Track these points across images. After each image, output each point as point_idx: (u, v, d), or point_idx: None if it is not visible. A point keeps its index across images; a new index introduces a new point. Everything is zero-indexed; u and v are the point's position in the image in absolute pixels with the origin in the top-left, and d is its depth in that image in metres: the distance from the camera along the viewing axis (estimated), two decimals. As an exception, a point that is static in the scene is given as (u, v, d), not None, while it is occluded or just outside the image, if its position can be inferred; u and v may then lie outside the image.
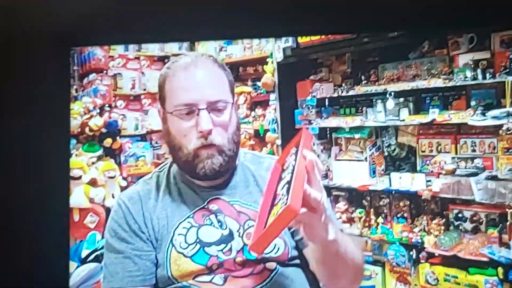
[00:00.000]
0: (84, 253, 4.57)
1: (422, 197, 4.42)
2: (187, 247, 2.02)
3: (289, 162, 1.81)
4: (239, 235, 2.06)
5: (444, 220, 4.43)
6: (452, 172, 4.27)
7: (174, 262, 2.01)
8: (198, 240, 2.03)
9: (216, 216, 2.08)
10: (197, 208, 2.08)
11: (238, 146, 2.13)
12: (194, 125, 2.00)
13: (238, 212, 2.10)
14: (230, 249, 2.04)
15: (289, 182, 1.65)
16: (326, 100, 5.37)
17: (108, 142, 5.44)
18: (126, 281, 2.03)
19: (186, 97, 2.00)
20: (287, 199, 1.55)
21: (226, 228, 2.07)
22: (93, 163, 5.19)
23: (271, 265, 2.04)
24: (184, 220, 2.06)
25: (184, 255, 2.01)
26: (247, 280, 2.03)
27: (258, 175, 2.20)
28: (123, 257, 2.03)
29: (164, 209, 2.08)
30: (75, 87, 5.76)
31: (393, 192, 4.73)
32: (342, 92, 5.12)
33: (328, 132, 5.45)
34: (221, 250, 2.03)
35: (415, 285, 4.52)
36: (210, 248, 2.03)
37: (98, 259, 4.54)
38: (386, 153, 5.01)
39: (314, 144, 4.52)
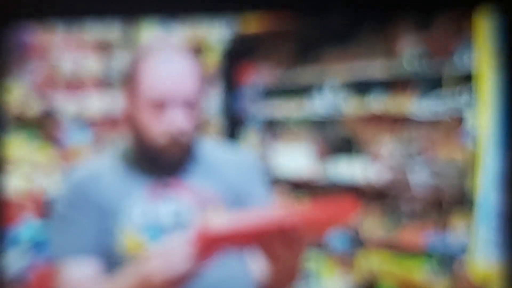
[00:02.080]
0: (21, 239, 4.54)
1: (362, 186, 4.46)
2: (141, 222, 2.04)
3: None
4: (193, 214, 2.08)
5: (383, 206, 4.47)
6: (392, 161, 4.31)
7: (126, 236, 2.02)
8: (152, 216, 2.05)
9: (170, 195, 2.10)
10: (153, 186, 2.09)
11: (200, 133, 2.17)
12: (165, 120, 2.00)
13: (194, 193, 2.12)
14: (184, 227, 2.03)
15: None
16: (268, 88, 5.37)
17: (48, 128, 5.39)
18: (76, 251, 2.02)
19: (161, 91, 2.00)
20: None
21: (180, 206, 2.09)
22: (33, 148, 5.15)
23: None
24: (140, 196, 2.07)
25: (137, 230, 2.03)
26: None
27: (219, 164, 2.23)
28: (74, 228, 2.04)
29: (118, 183, 2.09)
30: (14, 70, 5.69)
31: (334, 181, 4.76)
32: (284, 79, 5.13)
33: (269, 120, 5.45)
34: (175, 227, 2.05)
35: (354, 272, 4.55)
36: (163, 225, 2.05)
37: (36, 245, 4.51)
38: (327, 142, 5.03)
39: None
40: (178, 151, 2.07)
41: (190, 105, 2.00)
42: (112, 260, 2.03)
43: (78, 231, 2.03)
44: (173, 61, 2.03)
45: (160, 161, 2.10)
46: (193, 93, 2.01)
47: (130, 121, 2.10)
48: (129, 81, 2.07)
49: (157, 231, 2.04)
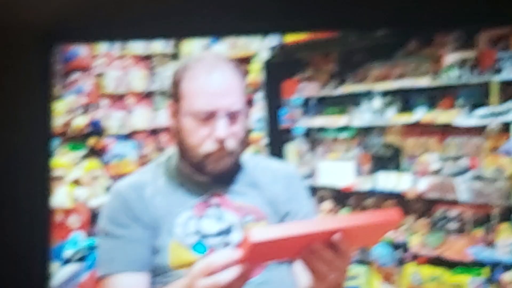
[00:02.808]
0: (67, 254, 4.55)
1: (407, 197, 4.41)
2: (187, 237, 2.03)
3: None
4: (238, 228, 2.09)
5: (429, 220, 4.42)
6: (438, 172, 4.26)
7: (173, 251, 2.03)
8: (198, 231, 2.05)
9: (216, 209, 2.10)
10: (198, 201, 2.10)
11: (245, 148, 2.16)
12: (210, 130, 2.01)
13: (238, 207, 2.13)
14: (229, 242, 2.06)
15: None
16: (312, 99, 5.36)
17: (92, 141, 5.41)
18: (124, 266, 2.01)
19: (207, 103, 1.99)
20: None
21: (225, 221, 2.09)
22: (77, 163, 5.17)
23: None
24: (185, 211, 2.07)
25: (183, 245, 2.02)
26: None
27: (261, 179, 2.23)
28: (121, 243, 2.02)
29: (164, 198, 2.09)
30: (58, 86, 5.72)
31: (378, 192, 4.72)
32: (327, 91, 5.11)
33: (313, 132, 5.43)
34: (221, 242, 2.06)
35: (400, 285, 4.51)
36: (209, 239, 2.05)
37: (81, 259, 4.52)
38: (371, 153, 5.00)
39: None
40: (222, 163, 2.07)
41: (234, 117, 2.00)
42: (158, 275, 2.04)
43: (126, 247, 2.02)
44: (217, 72, 2.02)
45: (205, 175, 2.09)
46: (237, 105, 2.01)
47: (175, 134, 2.09)
48: (174, 93, 2.06)
49: (202, 246, 2.03)
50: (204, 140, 2.01)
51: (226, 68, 2.05)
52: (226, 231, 2.08)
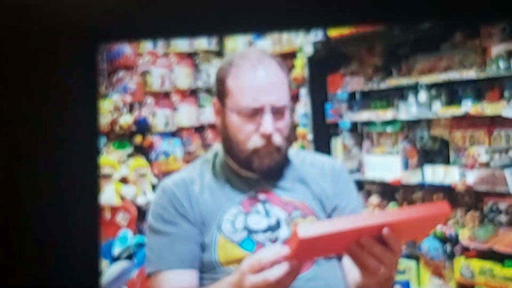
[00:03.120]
0: (116, 251, 4.58)
1: (456, 190, 4.38)
2: (235, 233, 2.04)
3: None
4: (286, 224, 2.09)
5: (478, 213, 4.39)
6: (487, 165, 4.22)
7: (221, 247, 2.03)
8: (245, 227, 2.06)
9: (263, 205, 2.11)
10: (245, 197, 2.11)
11: (291, 143, 2.19)
12: (256, 126, 2.02)
13: (285, 203, 2.13)
14: (277, 238, 2.06)
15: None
16: (357, 93, 5.35)
17: (138, 139, 5.44)
18: (173, 263, 2.02)
19: (253, 100, 2.01)
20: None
21: (273, 217, 2.10)
22: (123, 160, 5.20)
23: None
24: (233, 207, 2.08)
25: (231, 241, 2.03)
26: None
27: (308, 174, 2.23)
28: (170, 240, 2.04)
29: (211, 194, 2.10)
30: (104, 84, 5.77)
31: (426, 185, 4.69)
32: (373, 85, 5.09)
33: (359, 126, 5.42)
34: (268, 238, 2.06)
35: (450, 279, 4.48)
36: (257, 235, 2.06)
37: (130, 256, 4.55)
38: (418, 146, 4.97)
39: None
40: (269, 159, 2.08)
41: (280, 112, 2.01)
42: (207, 272, 2.05)
43: (175, 244, 2.03)
44: (262, 68, 2.03)
45: (252, 171, 2.11)
46: (283, 101, 2.02)
47: (222, 131, 2.11)
48: (219, 90, 2.08)
49: (251, 242, 2.04)
50: (251, 136, 2.03)
51: (270, 63, 2.06)
52: (274, 227, 2.08)
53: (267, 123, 2.00)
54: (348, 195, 2.28)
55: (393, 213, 1.80)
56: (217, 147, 2.25)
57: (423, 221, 1.73)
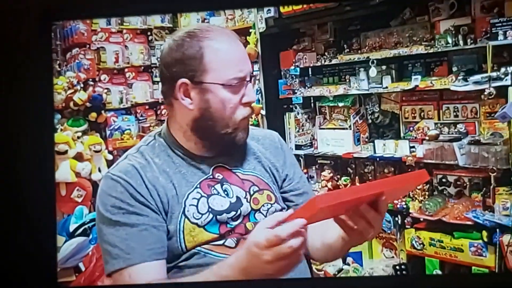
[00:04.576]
0: (72, 227, 4.58)
1: (406, 163, 4.44)
2: (201, 217, 2.05)
3: None
4: (246, 201, 2.14)
5: (428, 185, 4.46)
6: (436, 138, 4.29)
7: (188, 233, 2.03)
8: (210, 210, 2.07)
9: (221, 185, 2.14)
10: (202, 178, 2.13)
11: None
12: (240, 97, 2.08)
13: (242, 180, 2.18)
14: (239, 215, 2.11)
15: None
16: (310, 69, 5.38)
17: (93, 116, 5.42)
18: (146, 254, 1.97)
19: (239, 70, 2.06)
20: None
21: (233, 196, 2.13)
22: (78, 137, 5.19)
23: None
24: (193, 190, 2.09)
25: (198, 225, 2.04)
26: None
27: (256, 148, 2.31)
28: (138, 231, 1.98)
29: (168, 181, 2.08)
30: (58, 62, 5.74)
31: (378, 159, 4.75)
32: (325, 61, 5.12)
33: (312, 101, 5.47)
34: (231, 217, 2.10)
35: (401, 250, 4.55)
36: (221, 216, 2.08)
37: (86, 233, 4.56)
38: (369, 121, 5.03)
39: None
40: (247, 131, 2.18)
41: (252, 81, 2.08)
42: (175, 255, 2.05)
43: (143, 234, 1.99)
44: (234, 40, 2.11)
45: (219, 146, 2.16)
46: (252, 69, 2.10)
47: (200, 109, 2.10)
48: (193, 68, 2.06)
49: (215, 224, 2.07)
50: (238, 107, 2.08)
51: (235, 35, 2.14)
52: (236, 206, 2.12)
53: (251, 91, 2.09)
54: (293, 164, 2.37)
55: (385, 183, 1.90)
56: (155, 132, 2.25)
57: (406, 188, 2.05)
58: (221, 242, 2.08)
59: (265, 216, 2.18)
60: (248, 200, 2.16)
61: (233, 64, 2.06)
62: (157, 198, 2.03)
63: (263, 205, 2.22)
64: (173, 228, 2.03)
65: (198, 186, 2.11)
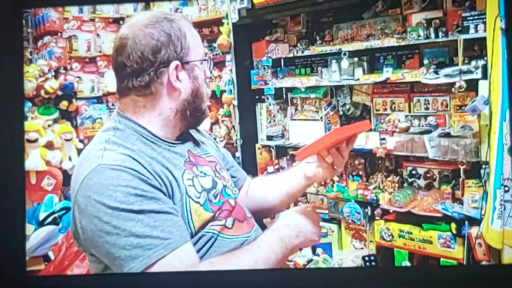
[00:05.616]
0: (41, 216, 4.56)
1: (377, 155, 4.46)
2: (200, 196, 2.10)
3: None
4: (218, 179, 2.24)
5: (398, 177, 4.49)
6: (406, 130, 4.30)
7: (194, 213, 2.06)
8: (203, 189, 2.13)
9: (197, 167, 2.19)
10: (183, 161, 2.16)
11: None
12: (205, 74, 2.22)
13: (207, 161, 2.27)
14: (216, 192, 2.19)
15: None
16: (282, 60, 5.38)
17: (64, 104, 5.40)
18: (184, 236, 1.95)
19: (203, 50, 2.23)
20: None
21: (210, 175, 2.21)
22: (49, 125, 5.17)
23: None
24: (184, 172, 2.11)
25: (200, 204, 2.09)
26: (245, 224, 2.23)
27: (201, 134, 2.48)
28: (165, 214, 1.93)
29: (160, 165, 2.06)
30: (29, 49, 5.71)
31: (348, 150, 4.76)
32: (297, 52, 5.13)
33: (284, 92, 5.46)
34: (214, 194, 2.17)
35: (371, 241, 4.58)
36: (210, 194, 2.15)
37: (55, 221, 4.54)
38: (341, 112, 5.04)
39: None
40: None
41: None
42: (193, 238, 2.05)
43: (173, 218, 1.96)
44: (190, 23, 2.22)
45: (187, 130, 2.28)
46: None
47: (193, 88, 2.18)
48: (180, 49, 2.12)
49: (207, 202, 2.14)
50: (206, 83, 2.22)
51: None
52: (214, 184, 2.21)
53: (207, 68, 2.24)
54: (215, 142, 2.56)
55: (349, 128, 2.47)
56: (108, 126, 2.22)
57: (358, 132, 2.43)
58: (222, 223, 2.14)
59: (232, 191, 2.32)
60: (220, 178, 2.26)
61: (201, 41, 2.21)
62: (161, 182, 2.01)
63: (227, 181, 2.33)
64: (180, 210, 2.02)
65: (185, 168, 2.13)
